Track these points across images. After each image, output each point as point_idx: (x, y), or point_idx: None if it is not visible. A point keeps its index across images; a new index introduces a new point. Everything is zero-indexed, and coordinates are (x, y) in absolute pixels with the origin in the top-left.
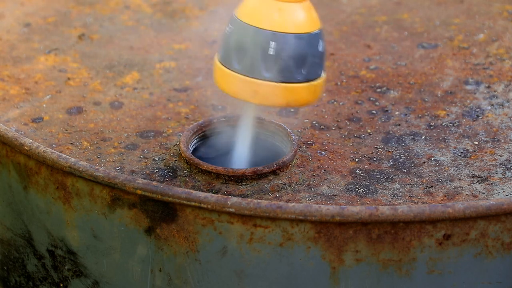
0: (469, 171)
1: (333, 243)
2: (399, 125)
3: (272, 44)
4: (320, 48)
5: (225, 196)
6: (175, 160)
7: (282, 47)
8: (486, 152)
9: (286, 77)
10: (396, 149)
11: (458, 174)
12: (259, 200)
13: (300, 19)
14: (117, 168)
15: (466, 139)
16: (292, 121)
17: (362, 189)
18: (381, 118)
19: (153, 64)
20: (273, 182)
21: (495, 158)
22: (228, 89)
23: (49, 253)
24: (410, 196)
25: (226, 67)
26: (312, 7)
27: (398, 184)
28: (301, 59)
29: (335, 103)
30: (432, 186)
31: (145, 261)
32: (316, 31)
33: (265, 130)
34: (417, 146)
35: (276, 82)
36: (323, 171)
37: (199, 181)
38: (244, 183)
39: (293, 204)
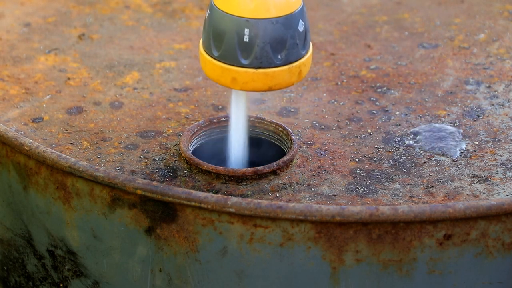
0: (469, 171)
1: (334, 243)
2: (399, 125)
3: (246, 31)
4: (301, 28)
5: (225, 196)
6: (175, 160)
7: (257, 34)
8: (486, 152)
9: (264, 63)
10: (396, 149)
11: (458, 174)
12: (259, 200)
13: (274, 3)
14: (117, 168)
15: (467, 139)
16: (292, 121)
17: (362, 189)
18: (382, 118)
19: (153, 64)
20: (273, 182)
21: (495, 158)
22: (210, 75)
23: (49, 253)
24: (410, 196)
25: (206, 53)
26: None
27: (399, 184)
28: (279, 43)
29: (336, 103)
30: (432, 186)
31: (145, 261)
32: (295, 11)
33: (265, 130)
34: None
35: (254, 68)
36: (324, 171)
37: (199, 181)
38: (244, 183)
39: (293, 204)
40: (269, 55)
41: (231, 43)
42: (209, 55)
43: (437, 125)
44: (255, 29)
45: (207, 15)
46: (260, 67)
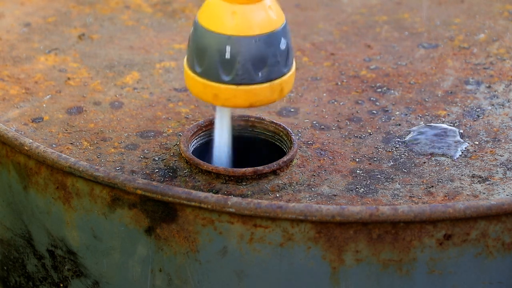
0: (469, 171)
1: (334, 243)
2: (399, 125)
3: (228, 48)
4: (283, 46)
5: (225, 196)
6: (175, 160)
7: (238, 51)
8: (486, 152)
9: (246, 80)
10: (396, 149)
11: (458, 174)
12: (259, 200)
13: (256, 21)
14: (117, 168)
15: (467, 139)
16: (292, 121)
17: (362, 189)
18: (382, 118)
19: (153, 64)
20: (273, 182)
21: (495, 158)
22: (192, 91)
23: (49, 253)
24: (410, 196)
25: (190, 69)
26: (273, 3)
27: (399, 184)
28: (260, 61)
29: (336, 103)
30: (432, 186)
31: (145, 261)
32: (277, 29)
33: (265, 130)
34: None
35: (235, 85)
36: (324, 171)
37: (199, 181)
38: (244, 183)
39: (293, 204)
40: (250, 72)
41: (213, 60)
42: (192, 71)
43: (437, 125)
44: (236, 46)
45: (191, 32)
46: (241, 84)
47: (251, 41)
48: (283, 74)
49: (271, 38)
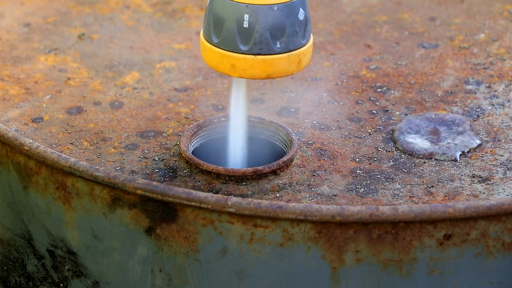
0: (469, 171)
1: (334, 243)
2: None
3: (246, 17)
4: (301, 17)
5: (226, 196)
6: (175, 160)
7: (256, 19)
8: (486, 152)
9: (264, 50)
10: (396, 149)
11: (458, 174)
12: (259, 200)
13: None
14: (117, 168)
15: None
16: (292, 121)
17: (362, 189)
18: (382, 118)
19: (153, 64)
20: (273, 182)
21: (495, 158)
22: (209, 63)
23: (49, 253)
24: (410, 196)
25: (206, 40)
26: None
27: (399, 184)
28: (278, 30)
29: (336, 103)
30: (432, 186)
31: (145, 261)
32: None
33: (265, 130)
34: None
35: (253, 55)
36: (324, 171)
37: (199, 181)
38: (244, 183)
39: (293, 204)
40: (268, 41)
41: (230, 29)
42: (208, 42)
43: (437, 124)
44: (254, 14)
45: (208, 2)
46: (259, 54)
47: (269, 9)
48: (301, 46)
49: (289, 8)
